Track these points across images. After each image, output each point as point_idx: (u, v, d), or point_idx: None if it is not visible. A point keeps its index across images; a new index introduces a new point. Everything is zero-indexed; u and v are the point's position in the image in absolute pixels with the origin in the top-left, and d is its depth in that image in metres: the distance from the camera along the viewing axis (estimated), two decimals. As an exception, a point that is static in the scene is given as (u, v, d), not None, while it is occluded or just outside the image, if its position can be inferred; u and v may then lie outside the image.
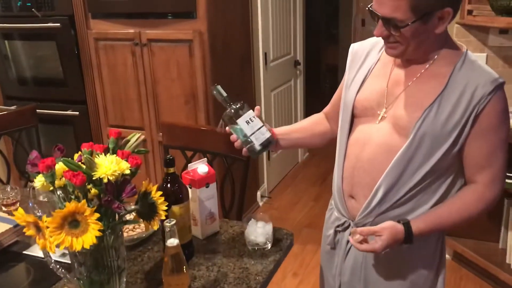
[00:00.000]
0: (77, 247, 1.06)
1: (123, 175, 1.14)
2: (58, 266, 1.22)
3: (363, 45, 1.49)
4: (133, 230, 1.55)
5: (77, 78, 3.29)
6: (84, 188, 1.09)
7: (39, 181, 1.15)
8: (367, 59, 1.45)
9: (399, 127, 1.32)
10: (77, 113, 3.35)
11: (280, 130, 1.53)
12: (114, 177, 1.10)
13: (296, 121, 4.38)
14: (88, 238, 1.07)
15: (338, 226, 1.50)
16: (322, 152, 4.51)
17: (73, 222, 1.08)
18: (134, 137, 1.27)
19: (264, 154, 3.81)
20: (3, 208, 1.80)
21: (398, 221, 1.32)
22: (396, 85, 1.35)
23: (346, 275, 1.51)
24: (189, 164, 1.50)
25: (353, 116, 1.45)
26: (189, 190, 1.50)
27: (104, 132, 3.35)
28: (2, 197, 1.83)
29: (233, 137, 1.40)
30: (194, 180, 1.47)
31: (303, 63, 4.38)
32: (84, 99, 3.33)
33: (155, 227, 1.21)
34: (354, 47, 1.51)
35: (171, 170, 1.36)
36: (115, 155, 1.16)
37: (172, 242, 1.15)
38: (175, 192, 1.37)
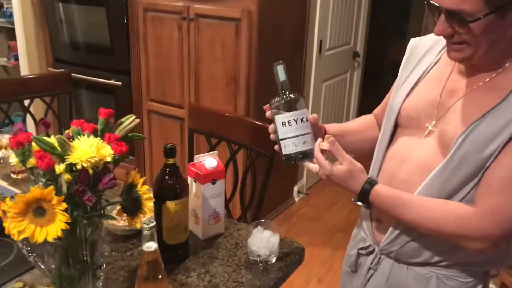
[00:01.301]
0: (39, 238, 0.93)
1: (105, 162, 1.00)
2: (29, 254, 1.10)
3: (424, 41, 1.25)
4: (131, 219, 1.42)
5: (123, 47, 3.22)
6: (51, 173, 0.95)
7: (12, 157, 1.03)
8: (425, 58, 1.22)
9: (444, 145, 1.09)
10: (120, 83, 3.28)
11: (334, 129, 1.31)
12: (90, 164, 0.96)
13: (347, 119, 4.12)
14: (53, 229, 0.94)
15: (362, 249, 1.31)
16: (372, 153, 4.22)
17: (38, 210, 0.94)
18: (129, 120, 1.12)
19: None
20: (12, 176, 1.73)
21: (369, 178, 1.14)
22: (451, 95, 1.12)
23: None
24: (196, 156, 1.34)
25: (396, 125, 1.23)
26: (193, 184, 1.34)
27: (144, 105, 3.27)
28: (12, 164, 1.75)
29: (271, 127, 1.18)
30: (199, 174, 1.31)
31: (363, 55, 4.08)
32: (128, 70, 3.25)
33: (137, 225, 1.06)
34: (414, 42, 1.28)
35: (171, 161, 1.20)
36: (99, 138, 1.01)
37: (150, 246, 1.00)
38: (172, 186, 1.22)
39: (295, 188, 3.58)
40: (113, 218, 1.02)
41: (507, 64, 1.04)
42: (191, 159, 2.03)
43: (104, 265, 1.12)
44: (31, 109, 2.36)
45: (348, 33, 3.77)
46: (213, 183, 1.33)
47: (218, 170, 1.33)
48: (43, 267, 1.11)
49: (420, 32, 5.23)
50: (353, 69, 4.01)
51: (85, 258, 1.07)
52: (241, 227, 1.45)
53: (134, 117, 1.12)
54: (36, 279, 1.22)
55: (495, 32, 0.98)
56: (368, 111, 1.47)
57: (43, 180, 0.98)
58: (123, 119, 1.12)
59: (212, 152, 1.36)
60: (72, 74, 2.55)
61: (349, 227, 3.29)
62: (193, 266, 1.26)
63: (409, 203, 1.09)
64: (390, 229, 1.19)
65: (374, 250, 1.27)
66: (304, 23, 3.19)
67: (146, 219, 0.98)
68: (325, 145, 1.10)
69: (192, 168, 1.34)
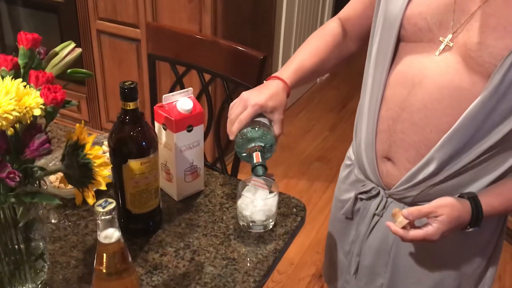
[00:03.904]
0: None
1: (33, 117, 0.66)
2: None
3: None
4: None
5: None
6: None
7: None
8: None
9: (474, 61, 0.85)
10: (62, -2, 2.79)
11: (292, 81, 1.05)
12: (6, 122, 0.62)
13: (322, 18, 3.68)
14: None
15: (361, 193, 1.08)
16: (345, 73, 3.94)
17: None
18: (67, 48, 0.76)
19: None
20: None
21: (461, 196, 0.92)
22: None
23: (367, 258, 1.13)
24: (164, 96, 1.01)
25: (397, 40, 0.96)
26: (163, 132, 1.02)
27: (93, 25, 2.81)
28: None
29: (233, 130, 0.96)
30: (170, 119, 0.99)
31: None
32: (71, -18, 2.75)
33: (90, 201, 0.75)
34: None
35: (131, 105, 0.87)
36: (20, 80, 0.67)
37: (110, 235, 0.69)
38: (136, 140, 0.90)
39: (267, 115, 3.29)
40: (52, 199, 0.70)
41: None
42: (153, 91, 1.69)
43: (47, 254, 0.82)
44: None
45: None
46: (189, 131, 1.02)
47: (195, 114, 1.01)
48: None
49: None
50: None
51: (16, 248, 0.77)
52: (224, 180, 1.16)
53: (73, 44, 0.77)
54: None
55: None
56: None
57: None
58: (57, 48, 0.77)
59: (186, 90, 1.03)
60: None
61: (325, 156, 3.08)
62: (168, 239, 0.98)
63: None
64: (408, 174, 0.96)
65: (379, 193, 1.05)
66: None
67: (101, 201, 0.66)
68: (402, 220, 0.88)
69: (160, 111, 1.01)
